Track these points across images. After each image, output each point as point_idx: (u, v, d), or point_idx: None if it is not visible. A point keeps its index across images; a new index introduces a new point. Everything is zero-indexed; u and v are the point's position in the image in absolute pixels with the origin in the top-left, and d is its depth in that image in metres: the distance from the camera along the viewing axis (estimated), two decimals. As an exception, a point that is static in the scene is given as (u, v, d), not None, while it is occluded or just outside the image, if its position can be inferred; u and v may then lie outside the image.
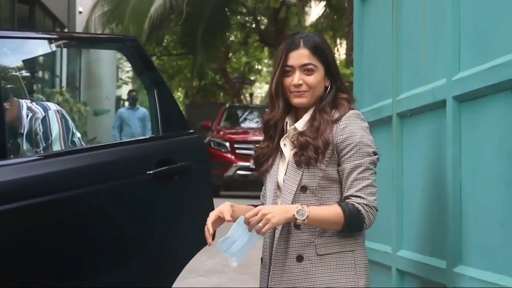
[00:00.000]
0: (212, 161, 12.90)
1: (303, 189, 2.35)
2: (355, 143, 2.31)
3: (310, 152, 2.33)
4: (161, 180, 3.17)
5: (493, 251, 2.38)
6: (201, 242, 3.39)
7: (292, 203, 2.33)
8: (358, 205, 2.29)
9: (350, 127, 2.33)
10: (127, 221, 3.13)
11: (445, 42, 2.72)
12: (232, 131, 14.47)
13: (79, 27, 17.70)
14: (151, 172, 3.12)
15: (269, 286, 2.41)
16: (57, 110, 3.43)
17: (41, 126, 3.31)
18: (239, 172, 13.14)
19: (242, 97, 27.32)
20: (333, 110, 2.40)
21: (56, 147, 3.34)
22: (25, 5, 14.78)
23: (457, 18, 2.65)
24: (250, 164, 12.84)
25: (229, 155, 13.46)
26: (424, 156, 2.96)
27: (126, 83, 27.46)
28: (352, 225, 2.30)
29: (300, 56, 2.40)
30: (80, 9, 19.10)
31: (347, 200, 2.31)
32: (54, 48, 4.21)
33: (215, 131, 14.49)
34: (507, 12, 2.33)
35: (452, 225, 2.61)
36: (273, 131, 2.48)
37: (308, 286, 2.33)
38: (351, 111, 2.38)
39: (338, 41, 20.35)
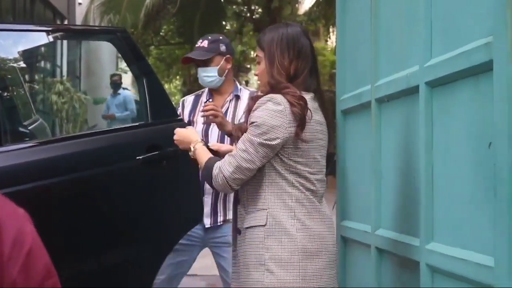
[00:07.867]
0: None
1: None
2: (251, 122, 2.59)
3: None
4: (150, 165, 3.29)
5: (461, 228, 2.47)
6: (190, 223, 3.56)
7: None
8: (217, 163, 2.64)
9: (256, 110, 2.60)
10: (118, 204, 3.25)
11: (418, 31, 2.82)
12: None
13: (79, 18, 17.71)
14: (140, 157, 3.25)
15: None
16: None
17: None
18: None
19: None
20: None
21: None
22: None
23: (429, 8, 2.75)
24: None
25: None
26: (400, 139, 3.07)
27: (125, 72, 27.43)
28: (206, 176, 2.66)
29: None
30: (80, 0, 19.13)
31: None
32: (50, 40, 4.31)
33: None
34: (474, 2, 2.43)
35: (425, 204, 2.72)
36: None
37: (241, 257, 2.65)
38: (264, 96, 2.61)
39: (330, 29, 20.36)
